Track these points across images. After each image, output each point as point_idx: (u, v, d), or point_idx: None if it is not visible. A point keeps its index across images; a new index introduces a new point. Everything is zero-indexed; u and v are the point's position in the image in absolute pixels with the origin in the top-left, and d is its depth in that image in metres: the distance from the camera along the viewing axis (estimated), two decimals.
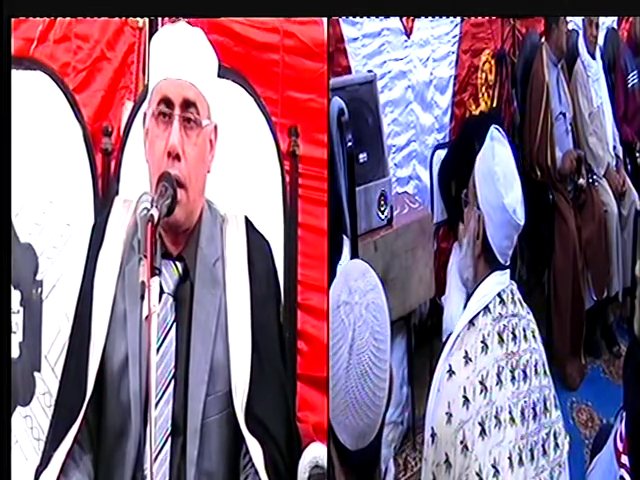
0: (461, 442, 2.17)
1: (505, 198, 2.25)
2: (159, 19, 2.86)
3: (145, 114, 2.18)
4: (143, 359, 1.88)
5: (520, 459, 2.19)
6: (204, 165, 2.17)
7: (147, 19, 2.90)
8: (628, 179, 5.02)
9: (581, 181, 4.74)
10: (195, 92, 2.10)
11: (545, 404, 2.31)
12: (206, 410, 2.09)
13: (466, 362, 2.23)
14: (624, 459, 2.48)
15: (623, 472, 2.47)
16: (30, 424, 2.75)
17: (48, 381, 2.73)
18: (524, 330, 2.33)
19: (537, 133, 4.66)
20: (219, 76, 2.62)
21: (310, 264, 2.84)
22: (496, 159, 2.30)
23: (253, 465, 2.08)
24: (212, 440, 2.10)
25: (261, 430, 2.11)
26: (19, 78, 2.71)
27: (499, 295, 2.31)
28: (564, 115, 4.79)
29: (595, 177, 4.86)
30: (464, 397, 2.19)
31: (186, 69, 2.10)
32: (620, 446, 2.50)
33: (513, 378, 2.25)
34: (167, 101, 2.09)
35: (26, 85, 2.74)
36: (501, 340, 2.27)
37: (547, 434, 2.29)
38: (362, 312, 1.63)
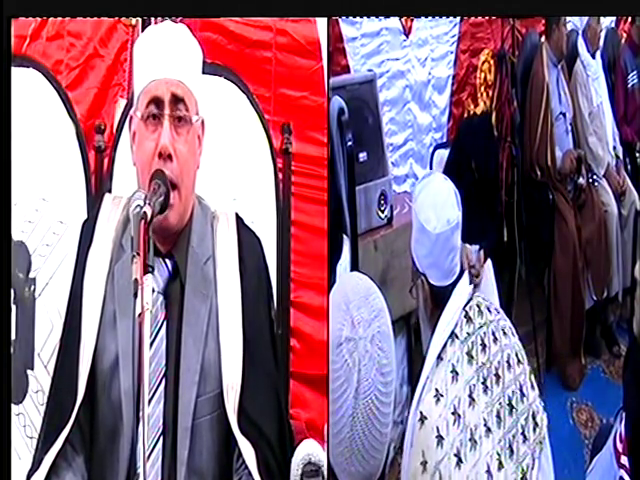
0: None
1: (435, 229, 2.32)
2: (152, 18, 2.86)
3: (131, 117, 2.18)
4: (135, 358, 1.85)
5: (499, 463, 2.17)
6: (195, 161, 2.17)
7: (140, 19, 2.90)
8: (628, 179, 5.01)
9: (581, 181, 4.73)
10: (183, 88, 2.11)
11: (521, 391, 2.28)
12: (197, 410, 2.07)
13: (437, 400, 2.18)
14: (624, 460, 2.46)
15: (623, 473, 2.45)
16: (23, 422, 2.74)
17: (41, 379, 2.73)
18: (493, 333, 2.31)
19: (537, 133, 4.65)
20: (212, 73, 2.64)
21: (303, 262, 2.84)
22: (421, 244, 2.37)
23: (246, 467, 2.07)
24: (203, 440, 2.09)
25: (254, 431, 2.10)
26: (12, 75, 2.71)
27: (465, 314, 2.31)
28: (564, 115, 4.78)
29: (595, 177, 4.85)
30: (438, 437, 2.15)
31: (171, 67, 2.11)
32: (620, 447, 2.49)
33: (486, 389, 2.22)
34: (156, 100, 2.09)
35: (19, 83, 2.73)
36: (471, 358, 2.24)
37: (525, 419, 2.26)
38: (367, 347, 1.54)
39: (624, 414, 2.49)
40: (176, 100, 2.09)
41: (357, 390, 1.51)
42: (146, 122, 2.10)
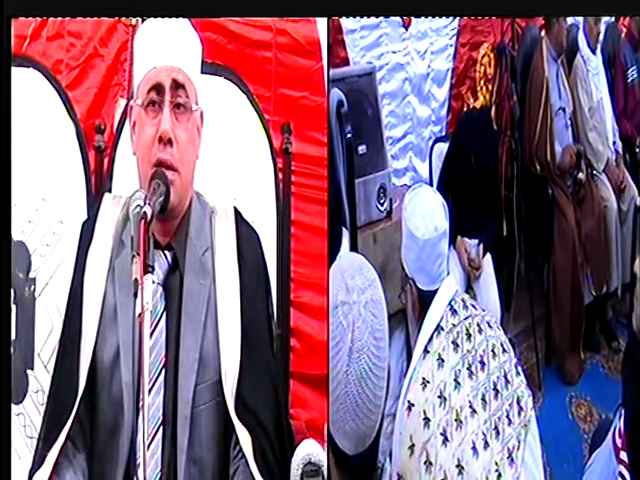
0: (425, 462, 2.21)
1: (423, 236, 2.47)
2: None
3: (131, 107, 2.20)
4: (135, 353, 1.86)
5: (485, 442, 2.24)
6: (194, 151, 2.19)
7: (140, 18, 2.89)
8: (628, 174, 5.01)
9: (580, 176, 4.73)
10: (184, 75, 2.14)
11: (506, 378, 2.37)
12: (196, 398, 2.10)
13: (423, 387, 2.30)
14: (623, 455, 2.47)
15: (622, 468, 2.46)
16: (23, 422, 2.75)
17: (41, 379, 2.72)
18: (478, 325, 2.43)
19: (537, 127, 4.65)
20: (212, 73, 2.64)
21: (303, 262, 2.84)
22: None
23: (243, 456, 2.08)
24: (202, 428, 2.11)
25: (251, 418, 2.12)
26: (12, 75, 2.70)
27: (451, 307, 2.44)
28: (564, 110, 4.77)
29: (595, 172, 4.86)
30: (424, 419, 2.24)
31: (172, 57, 2.14)
32: (619, 442, 2.50)
33: (471, 374, 2.33)
34: (157, 86, 2.12)
35: (19, 83, 2.72)
36: (456, 346, 2.37)
37: (510, 404, 2.34)
38: (361, 311, 1.59)
39: (623, 409, 2.50)
40: (177, 86, 2.12)
41: (351, 349, 1.56)
42: (146, 109, 2.13)
